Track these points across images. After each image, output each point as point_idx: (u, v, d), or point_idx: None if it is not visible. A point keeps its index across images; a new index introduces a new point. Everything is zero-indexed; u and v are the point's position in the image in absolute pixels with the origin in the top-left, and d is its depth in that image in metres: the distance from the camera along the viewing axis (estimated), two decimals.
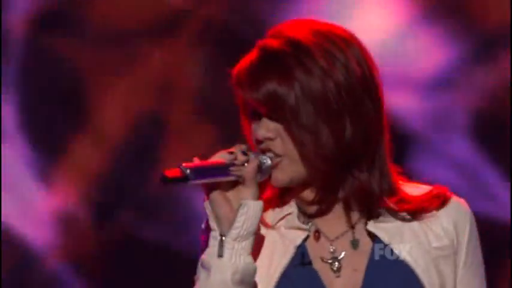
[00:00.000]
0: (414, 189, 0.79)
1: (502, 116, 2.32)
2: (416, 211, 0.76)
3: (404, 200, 0.76)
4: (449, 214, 0.77)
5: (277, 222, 0.77)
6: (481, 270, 0.80)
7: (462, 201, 0.80)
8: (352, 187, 0.74)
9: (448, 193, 0.78)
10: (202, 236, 0.77)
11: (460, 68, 2.35)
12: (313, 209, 0.77)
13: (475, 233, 0.79)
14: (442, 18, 2.35)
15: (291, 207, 0.78)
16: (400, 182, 0.78)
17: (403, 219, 0.76)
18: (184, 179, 0.67)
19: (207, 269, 0.70)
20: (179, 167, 0.67)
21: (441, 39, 2.35)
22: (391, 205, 0.75)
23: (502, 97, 2.33)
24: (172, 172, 0.67)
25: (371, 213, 0.76)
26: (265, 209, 0.75)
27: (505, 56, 2.31)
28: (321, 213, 0.76)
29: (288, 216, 0.77)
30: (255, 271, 0.71)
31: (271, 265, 0.75)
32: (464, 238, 0.77)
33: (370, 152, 0.74)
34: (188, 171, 0.67)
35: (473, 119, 2.35)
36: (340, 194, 0.75)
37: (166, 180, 0.67)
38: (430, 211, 0.76)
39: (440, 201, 0.77)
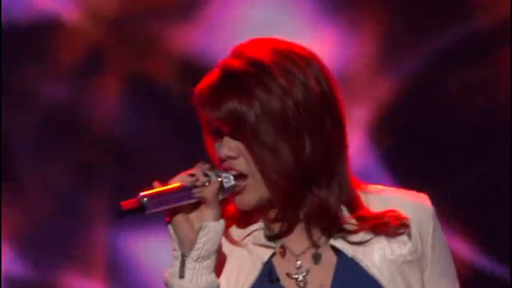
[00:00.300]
0: (376, 199, 0.79)
1: None
2: (375, 229, 0.76)
3: (364, 218, 0.76)
4: (412, 217, 0.77)
5: (244, 238, 0.78)
6: (448, 266, 0.80)
7: (423, 198, 0.81)
8: (312, 204, 0.75)
9: (403, 217, 0.77)
10: None
11: None
12: (276, 227, 0.77)
13: (439, 230, 0.80)
14: None
15: (258, 224, 0.79)
16: (363, 188, 0.79)
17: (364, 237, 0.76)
18: (141, 209, 0.65)
19: (170, 287, 0.71)
20: (136, 197, 0.65)
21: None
22: (351, 225, 0.76)
23: None
24: (129, 203, 0.65)
25: (332, 229, 0.76)
26: (230, 224, 0.78)
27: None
28: (284, 232, 0.77)
29: (255, 233, 0.78)
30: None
31: (239, 282, 0.75)
32: (429, 237, 0.78)
33: (330, 168, 0.75)
34: (146, 200, 0.65)
35: None
36: (302, 211, 0.76)
37: (122, 213, 0.65)
38: (389, 230, 0.76)
39: (399, 223, 0.76)
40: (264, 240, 0.77)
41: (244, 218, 0.79)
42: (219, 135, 0.75)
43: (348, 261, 0.76)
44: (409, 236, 0.76)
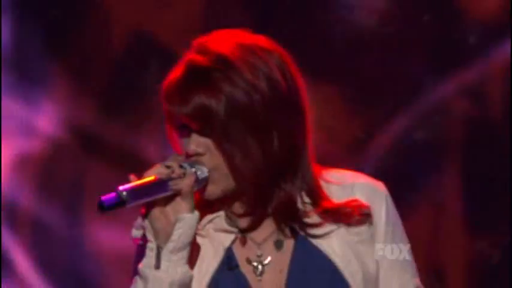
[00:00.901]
0: (337, 187, 0.80)
1: None
2: (338, 221, 0.77)
3: (327, 210, 0.77)
4: (366, 198, 0.78)
5: (206, 225, 0.78)
6: (404, 253, 0.80)
7: (379, 183, 0.82)
8: (278, 198, 0.76)
9: (365, 206, 0.78)
10: (136, 241, 0.78)
11: None
12: (244, 222, 0.78)
13: (393, 215, 0.80)
14: None
15: (218, 212, 0.79)
16: (324, 178, 0.80)
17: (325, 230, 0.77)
18: (121, 203, 0.66)
19: (144, 279, 0.71)
20: (115, 191, 0.66)
21: None
22: (314, 218, 0.77)
23: None
24: (109, 198, 0.65)
25: (295, 222, 0.77)
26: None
27: None
28: (252, 227, 0.77)
29: (216, 219, 0.79)
30: (191, 279, 0.74)
31: (201, 269, 0.76)
32: (381, 220, 0.79)
33: (295, 162, 0.76)
34: (125, 194, 0.66)
35: None
36: (269, 206, 0.76)
37: (103, 208, 0.65)
38: (351, 221, 0.77)
39: (362, 213, 0.77)
40: (225, 225, 0.78)
41: (206, 208, 0.78)
42: (185, 131, 0.75)
43: (305, 244, 0.77)
44: (371, 223, 0.78)
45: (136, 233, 0.77)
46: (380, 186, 0.81)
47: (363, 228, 0.77)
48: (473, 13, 2.35)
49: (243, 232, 0.78)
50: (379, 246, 0.78)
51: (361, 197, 0.78)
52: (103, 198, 0.65)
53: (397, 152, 2.36)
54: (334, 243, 0.76)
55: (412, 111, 2.40)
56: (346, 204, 0.77)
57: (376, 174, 0.87)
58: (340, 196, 0.78)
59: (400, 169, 2.39)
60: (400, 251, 0.79)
